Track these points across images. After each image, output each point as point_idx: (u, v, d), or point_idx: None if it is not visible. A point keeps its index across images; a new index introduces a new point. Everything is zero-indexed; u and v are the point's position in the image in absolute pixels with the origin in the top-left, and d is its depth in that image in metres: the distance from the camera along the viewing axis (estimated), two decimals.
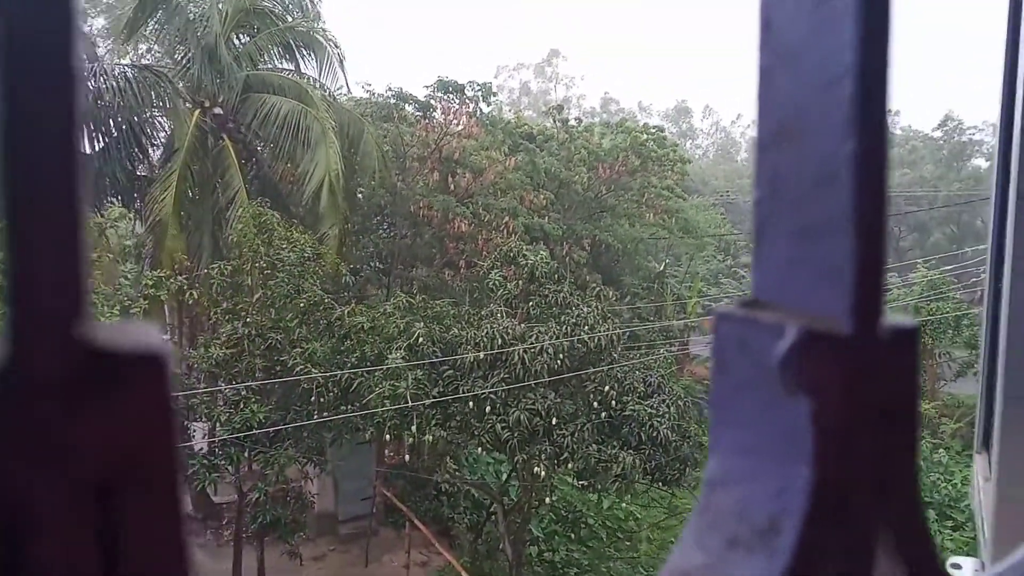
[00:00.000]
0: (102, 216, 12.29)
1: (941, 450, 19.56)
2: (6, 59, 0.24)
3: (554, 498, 14.60)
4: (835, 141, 0.35)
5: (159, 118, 16.40)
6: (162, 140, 16.85)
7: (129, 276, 13.11)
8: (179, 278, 12.98)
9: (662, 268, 27.42)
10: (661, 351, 20.28)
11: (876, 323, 0.36)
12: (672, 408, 12.94)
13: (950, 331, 21.99)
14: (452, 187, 19.30)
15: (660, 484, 13.55)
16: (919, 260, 25.53)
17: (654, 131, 24.76)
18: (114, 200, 14.33)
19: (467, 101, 20.57)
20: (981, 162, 53.41)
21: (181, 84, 15.98)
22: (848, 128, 0.35)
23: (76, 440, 0.26)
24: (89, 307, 0.26)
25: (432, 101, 20.51)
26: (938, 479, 17.75)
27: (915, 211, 44.91)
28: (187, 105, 15.91)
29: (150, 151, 16.88)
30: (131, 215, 16.39)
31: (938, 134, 53.85)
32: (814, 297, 0.37)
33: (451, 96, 20.46)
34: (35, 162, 0.26)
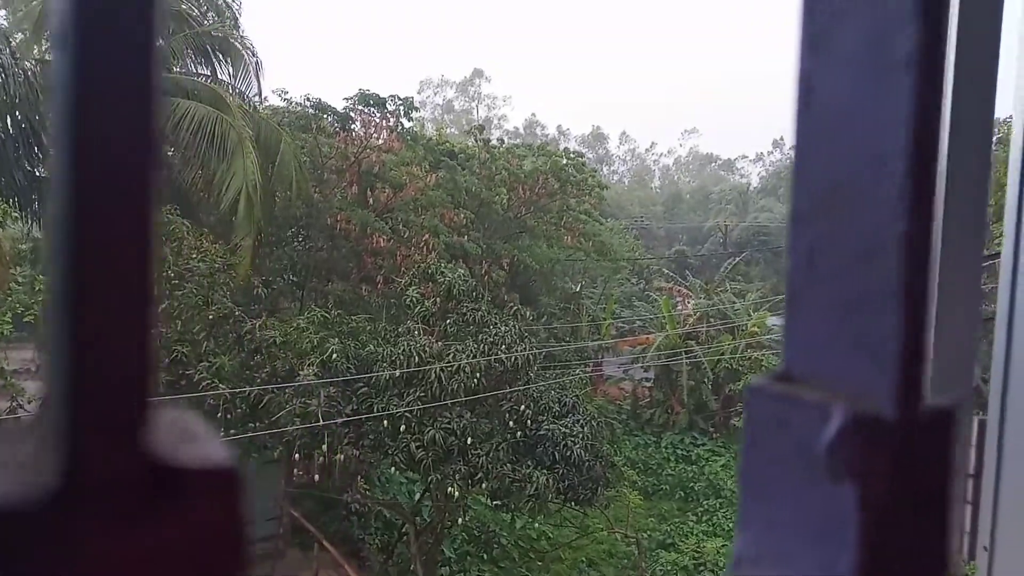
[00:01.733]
0: None
1: None
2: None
3: (467, 518, 14.50)
4: (883, 217, 0.34)
5: None
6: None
7: (21, 281, 12.34)
8: None
9: (578, 289, 27.82)
10: (576, 371, 20.53)
11: (919, 405, 0.35)
12: (586, 428, 13.11)
13: None
14: (371, 201, 19.08)
15: (573, 504, 13.67)
16: None
17: (574, 156, 25.22)
18: (7, 200, 13.49)
19: (388, 115, 20.43)
20: None
21: None
22: (899, 206, 0.34)
23: (139, 562, 0.23)
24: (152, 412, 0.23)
25: (352, 113, 20.26)
26: None
27: None
28: None
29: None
30: (26, 216, 15.48)
31: None
32: (853, 374, 0.35)
33: (372, 109, 20.27)
34: (108, 247, 0.24)
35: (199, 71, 18.04)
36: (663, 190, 78.82)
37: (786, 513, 0.36)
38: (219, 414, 11.59)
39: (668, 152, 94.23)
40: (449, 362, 12.19)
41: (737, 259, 35.28)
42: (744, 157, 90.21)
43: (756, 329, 25.35)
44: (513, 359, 12.65)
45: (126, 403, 0.23)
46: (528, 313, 16.40)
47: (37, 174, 15.86)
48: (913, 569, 0.35)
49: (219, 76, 18.16)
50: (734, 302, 27.32)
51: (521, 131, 77.64)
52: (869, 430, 0.34)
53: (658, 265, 38.33)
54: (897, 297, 0.34)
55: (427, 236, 18.22)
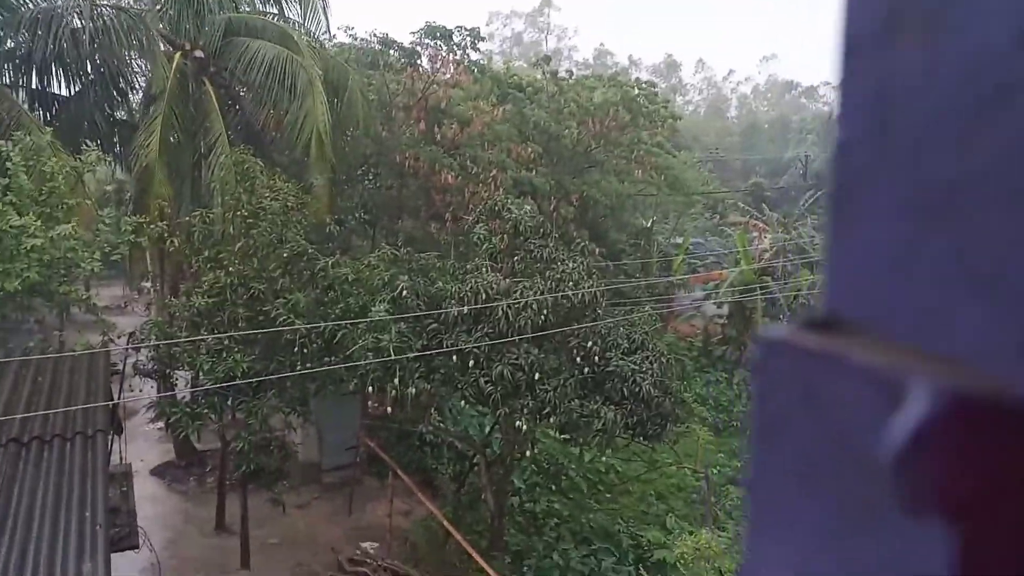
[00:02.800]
0: (80, 160, 11.98)
1: None
2: None
3: (536, 451, 14.75)
4: (1006, 32, 0.18)
5: (137, 61, 15.95)
6: (141, 84, 16.42)
7: (108, 222, 12.87)
8: (160, 224, 12.76)
9: (649, 224, 27.35)
10: (646, 308, 20.33)
11: None
12: (655, 365, 13.01)
13: None
14: (439, 138, 19.03)
15: (641, 439, 13.69)
16: None
17: (645, 86, 24.43)
18: (90, 143, 13.99)
19: (455, 48, 20.13)
20: None
21: (160, 25, 15.52)
22: None
23: None
24: None
25: (418, 48, 20.07)
26: None
27: None
28: (167, 48, 15.48)
29: (129, 95, 16.46)
30: (110, 160, 16.06)
31: None
32: (950, 321, 0.19)
33: (438, 43, 20.00)
34: None
35: (267, 10, 18.11)
36: (740, 120, 75.96)
37: (817, 554, 0.21)
38: (296, 348, 11.99)
39: (746, 80, 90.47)
40: (516, 299, 12.21)
41: (818, 192, 33.86)
42: (827, 83, 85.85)
43: None
44: (581, 296, 12.58)
45: None
46: (597, 249, 16.22)
47: (116, 117, 16.35)
48: None
49: (287, 14, 18.20)
50: (813, 236, 26.38)
51: (591, 62, 75.63)
52: (981, 426, 0.18)
53: (733, 199, 37.24)
54: None
55: (495, 172, 18.12)
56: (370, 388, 12.92)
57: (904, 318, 0.20)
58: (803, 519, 0.21)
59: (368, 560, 12.80)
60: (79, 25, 14.07)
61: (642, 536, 14.29)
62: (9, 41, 14.69)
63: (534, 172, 20.24)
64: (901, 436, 0.18)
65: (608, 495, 16.98)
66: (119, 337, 12.20)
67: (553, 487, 16.56)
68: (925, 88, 0.20)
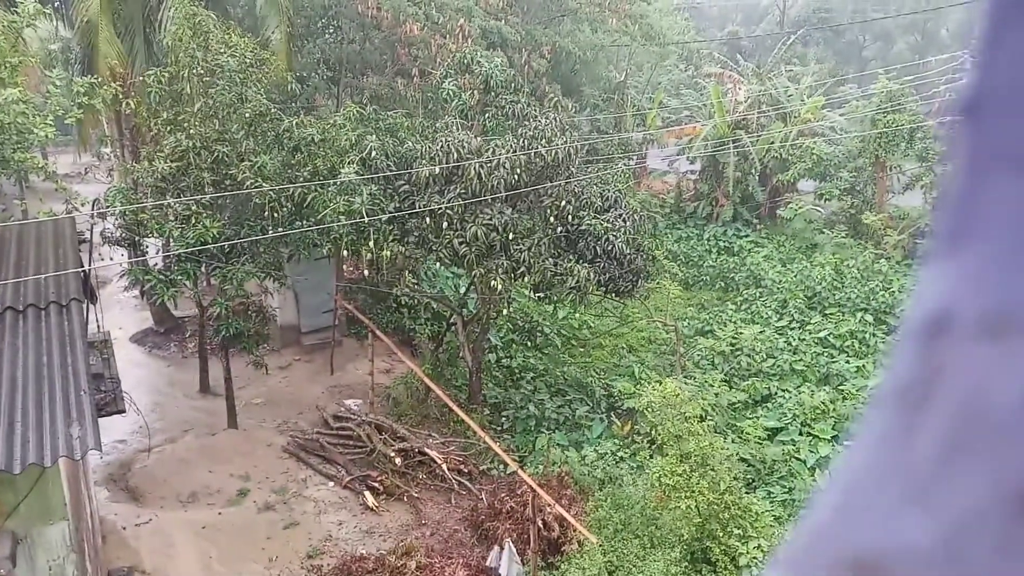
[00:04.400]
0: (17, 14, 11.13)
1: (882, 260, 20.38)
2: None
3: (511, 309, 15.03)
4: None
5: None
6: None
7: (58, 84, 12.16)
8: (113, 85, 12.12)
9: (623, 78, 26.61)
10: (619, 165, 20.16)
11: None
12: (628, 223, 13.08)
13: (903, 144, 22.17)
14: None
15: (613, 295, 13.97)
16: (880, 70, 25.10)
17: None
18: None
19: None
20: None
21: None
22: None
23: None
24: None
25: None
26: (876, 287, 18.63)
27: (880, 18, 43.62)
28: None
29: None
30: (49, 13, 14.98)
31: None
32: None
33: None
34: None
35: None
36: None
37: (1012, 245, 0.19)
38: (266, 212, 11.79)
39: None
40: (489, 158, 12.01)
41: (793, 38, 32.90)
42: None
43: (809, 116, 24.23)
44: (554, 153, 12.39)
45: None
46: (570, 104, 15.81)
47: None
48: None
49: None
50: (788, 87, 25.91)
51: None
52: None
53: (709, 48, 36.15)
54: None
55: (462, 22, 17.27)
56: (344, 252, 12.89)
57: None
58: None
59: (352, 416, 13.26)
60: None
61: (613, 386, 14.89)
62: None
63: (504, 22, 19.33)
64: None
65: (581, 349, 17.53)
66: (83, 205, 11.88)
67: (528, 343, 17.03)
68: None
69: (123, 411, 9.22)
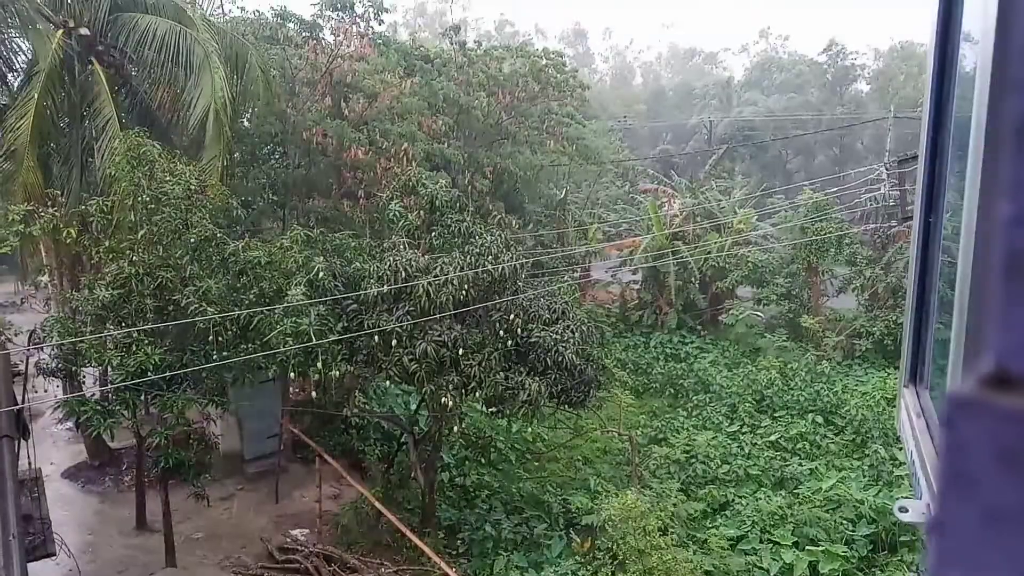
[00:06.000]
0: None
1: (824, 362, 20.91)
2: None
3: (463, 425, 14.78)
4: None
5: (17, 39, 14.86)
6: (23, 65, 15.31)
7: None
8: (51, 212, 12.00)
9: (563, 195, 27.58)
10: (564, 278, 20.57)
11: None
12: (576, 333, 13.19)
13: (832, 250, 23.26)
14: (346, 113, 18.57)
15: (566, 407, 13.92)
16: (805, 183, 26.65)
17: (553, 56, 24.46)
18: None
19: (357, 19, 19.61)
20: (862, 86, 55.74)
21: (40, 1, 14.48)
22: None
23: None
24: None
25: (319, 20, 19.47)
26: (822, 388, 19.01)
27: (801, 135, 46.65)
28: (48, 25, 14.47)
29: (8, 77, 15.33)
30: None
31: (823, 58, 55.67)
32: None
33: (340, 14, 19.44)
34: None
35: None
36: (645, 87, 77.18)
37: None
38: (210, 337, 11.56)
39: (648, 48, 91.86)
40: (437, 275, 12.13)
41: (720, 152, 34.84)
42: (727, 50, 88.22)
43: (742, 226, 25.36)
44: (500, 269, 12.60)
45: None
46: (514, 222, 16.26)
47: None
48: None
49: None
50: (720, 200, 27.19)
51: (493, 33, 75.20)
52: None
53: (643, 166, 37.94)
54: None
55: (406, 146, 17.83)
56: (291, 374, 12.63)
57: None
58: (994, 546, 0.23)
59: (299, 547, 12.61)
60: None
61: (570, 502, 14.59)
62: None
63: (446, 145, 20.04)
64: None
65: (536, 463, 17.24)
66: (17, 336, 11.48)
67: (482, 460, 16.69)
68: None
69: (54, 554, 8.61)
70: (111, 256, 11.90)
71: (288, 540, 12.94)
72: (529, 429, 17.74)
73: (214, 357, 11.85)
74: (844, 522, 13.78)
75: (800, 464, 16.25)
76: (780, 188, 36.16)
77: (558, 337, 12.84)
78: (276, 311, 11.69)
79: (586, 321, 14.36)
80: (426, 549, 10.98)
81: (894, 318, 20.84)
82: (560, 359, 12.79)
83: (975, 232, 1.21)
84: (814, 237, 22.96)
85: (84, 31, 14.41)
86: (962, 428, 0.24)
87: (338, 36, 19.29)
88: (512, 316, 12.68)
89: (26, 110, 13.25)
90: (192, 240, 11.99)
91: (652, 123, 57.88)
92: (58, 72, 13.85)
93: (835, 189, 26.82)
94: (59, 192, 13.34)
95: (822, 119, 47.79)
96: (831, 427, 17.91)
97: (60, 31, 14.16)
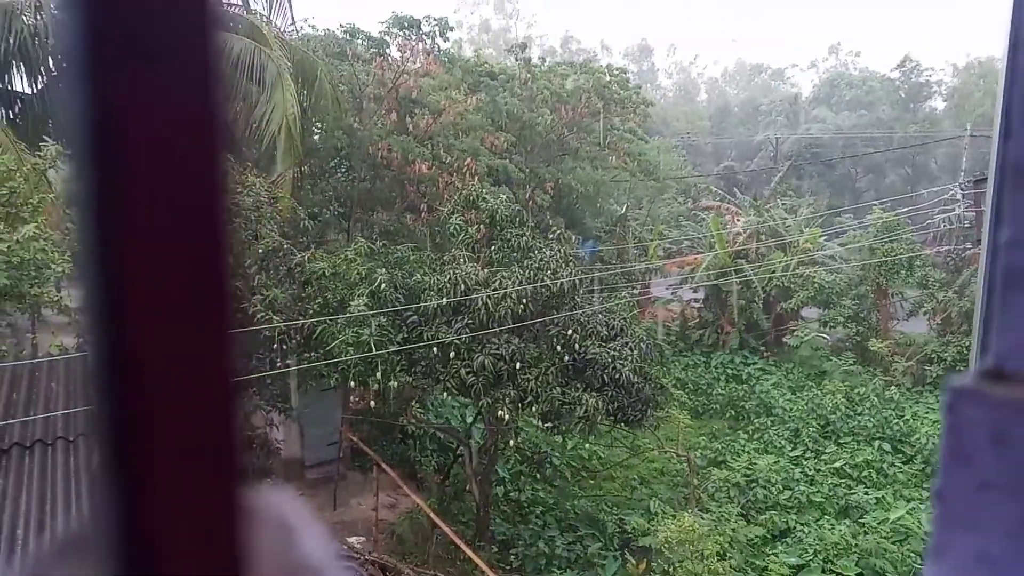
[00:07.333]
0: (40, 157, 11.70)
1: (893, 387, 20.21)
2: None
3: (519, 440, 14.79)
4: None
5: None
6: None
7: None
8: None
9: (624, 211, 27.44)
10: (623, 294, 20.43)
11: None
12: (634, 351, 13.09)
13: (903, 272, 22.51)
14: (411, 128, 18.89)
15: (623, 425, 13.79)
16: (875, 202, 25.92)
17: (617, 72, 24.46)
18: (51, 140, 13.68)
19: (423, 37, 19.99)
20: (937, 103, 54.01)
21: None
22: None
23: None
24: None
25: (387, 37, 19.90)
26: (890, 415, 18.37)
27: (871, 152, 45.42)
28: None
29: None
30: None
31: (896, 75, 54.19)
32: None
33: (407, 32, 19.84)
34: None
35: (232, 0, 17.80)
36: (710, 103, 76.36)
37: (1002, 551, 0.29)
38: (275, 345, 11.89)
39: (714, 63, 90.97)
40: (495, 289, 12.20)
41: (786, 169, 34.17)
42: (795, 66, 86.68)
43: (808, 245, 24.77)
44: (559, 284, 12.60)
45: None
46: (573, 237, 16.24)
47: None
48: None
49: (251, 5, 17.91)
50: (785, 218, 26.64)
51: (557, 49, 75.53)
52: None
53: (706, 183, 37.47)
54: None
55: (468, 161, 18.03)
56: (351, 382, 12.86)
57: None
58: (988, 511, 0.29)
59: (355, 555, 12.76)
60: (40, 22, 13.74)
61: (627, 522, 14.41)
62: None
63: (508, 160, 20.19)
64: None
65: (592, 481, 17.09)
66: None
67: (537, 475, 16.63)
68: None
69: None
70: None
71: (344, 548, 13.11)
72: (585, 446, 17.61)
73: (279, 364, 12.17)
74: (912, 555, 13.24)
75: (866, 493, 15.69)
76: (848, 207, 35.24)
77: (616, 354, 12.75)
78: (339, 321, 11.95)
79: (645, 339, 14.24)
80: (480, 563, 10.97)
81: (968, 343, 20.03)
82: (617, 376, 12.69)
83: None
84: (884, 258, 22.27)
85: None
86: (960, 413, 0.30)
87: (404, 53, 19.69)
88: (569, 331, 12.66)
89: None
90: (260, 251, 12.37)
91: (716, 139, 57.17)
92: None
93: (906, 209, 26.00)
94: None
95: (894, 137, 46.43)
96: (899, 455, 17.27)
97: None
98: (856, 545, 13.42)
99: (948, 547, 0.31)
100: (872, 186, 48.42)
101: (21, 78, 14.64)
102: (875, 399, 19.17)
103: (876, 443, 17.47)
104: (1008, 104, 0.31)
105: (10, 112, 14.94)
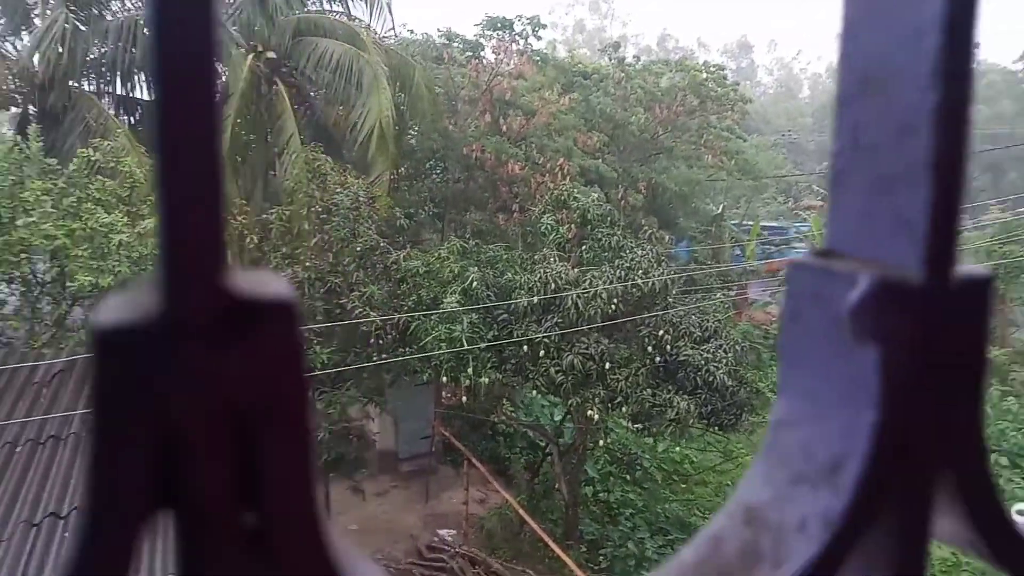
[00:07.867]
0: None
1: (1011, 398, 18.97)
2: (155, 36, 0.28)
3: (609, 440, 14.71)
4: (919, 92, 0.35)
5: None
6: (219, 87, 16.99)
7: None
8: (239, 220, 13.22)
9: (720, 211, 26.83)
10: (718, 296, 19.98)
11: (948, 273, 0.36)
12: (729, 354, 12.80)
13: (1023, 276, 21.10)
14: (504, 129, 19.09)
15: (716, 429, 13.53)
16: (992, 201, 24.37)
17: (714, 69, 23.93)
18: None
19: (516, 38, 20.15)
20: None
21: (233, 28, 16.03)
22: (933, 79, 0.35)
23: (220, 373, 0.29)
24: (227, 260, 0.30)
25: (481, 40, 20.18)
26: (1007, 427, 17.27)
27: (990, 149, 42.69)
28: (240, 50, 15.98)
29: None
30: None
31: (1018, 67, 50.77)
32: (888, 248, 0.37)
33: (500, 33, 20.07)
34: (184, 143, 0.30)
35: (333, 8, 18.48)
36: (813, 100, 73.57)
37: (819, 379, 0.38)
38: (372, 340, 12.28)
39: (818, 58, 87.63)
40: (585, 288, 12.20)
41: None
42: None
43: None
44: (651, 284, 12.47)
45: (206, 254, 0.29)
46: (666, 237, 16.03)
47: None
48: (941, 426, 0.37)
49: (352, 12, 18.55)
50: None
51: (654, 48, 74.50)
52: (893, 295, 0.35)
53: (807, 182, 36.17)
54: (930, 169, 0.36)
55: (561, 161, 18.06)
56: (444, 378, 13.13)
57: (864, 248, 0.38)
58: (811, 361, 0.38)
59: (445, 547, 13.03)
60: None
61: None
62: (95, 50, 15.42)
63: (600, 160, 20.10)
64: (853, 301, 0.35)
65: (683, 486, 16.82)
66: None
67: (627, 477, 16.50)
68: (876, 123, 0.38)
69: None
70: (287, 261, 12.93)
71: (436, 539, 13.41)
72: (676, 449, 17.34)
73: (375, 358, 12.56)
74: None
75: None
76: (965, 206, 33.25)
77: (709, 356, 12.51)
78: (432, 317, 12.24)
79: (740, 341, 13.90)
80: (569, 561, 11.00)
81: None
82: (711, 379, 12.44)
83: None
84: (1001, 260, 20.91)
85: (271, 55, 15.79)
86: (794, 280, 0.38)
87: (498, 54, 19.92)
88: (661, 332, 12.51)
89: (223, 128, 14.69)
90: (359, 249, 12.81)
91: (819, 137, 55.05)
92: (248, 93, 15.25)
93: None
94: (244, 202, 14.63)
95: (1015, 133, 43.47)
96: (1017, 470, 16.18)
97: (251, 55, 15.60)
98: (967, 561, 12.69)
99: (786, 385, 0.40)
100: (990, 185, 45.51)
101: (142, 86, 15.68)
102: (990, 410, 18.03)
103: (992, 457, 16.44)
104: None
105: (132, 118, 16.02)
